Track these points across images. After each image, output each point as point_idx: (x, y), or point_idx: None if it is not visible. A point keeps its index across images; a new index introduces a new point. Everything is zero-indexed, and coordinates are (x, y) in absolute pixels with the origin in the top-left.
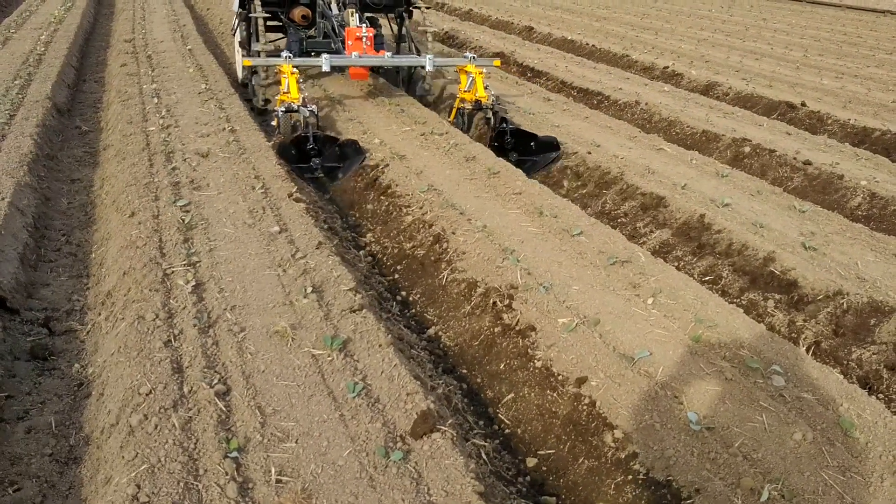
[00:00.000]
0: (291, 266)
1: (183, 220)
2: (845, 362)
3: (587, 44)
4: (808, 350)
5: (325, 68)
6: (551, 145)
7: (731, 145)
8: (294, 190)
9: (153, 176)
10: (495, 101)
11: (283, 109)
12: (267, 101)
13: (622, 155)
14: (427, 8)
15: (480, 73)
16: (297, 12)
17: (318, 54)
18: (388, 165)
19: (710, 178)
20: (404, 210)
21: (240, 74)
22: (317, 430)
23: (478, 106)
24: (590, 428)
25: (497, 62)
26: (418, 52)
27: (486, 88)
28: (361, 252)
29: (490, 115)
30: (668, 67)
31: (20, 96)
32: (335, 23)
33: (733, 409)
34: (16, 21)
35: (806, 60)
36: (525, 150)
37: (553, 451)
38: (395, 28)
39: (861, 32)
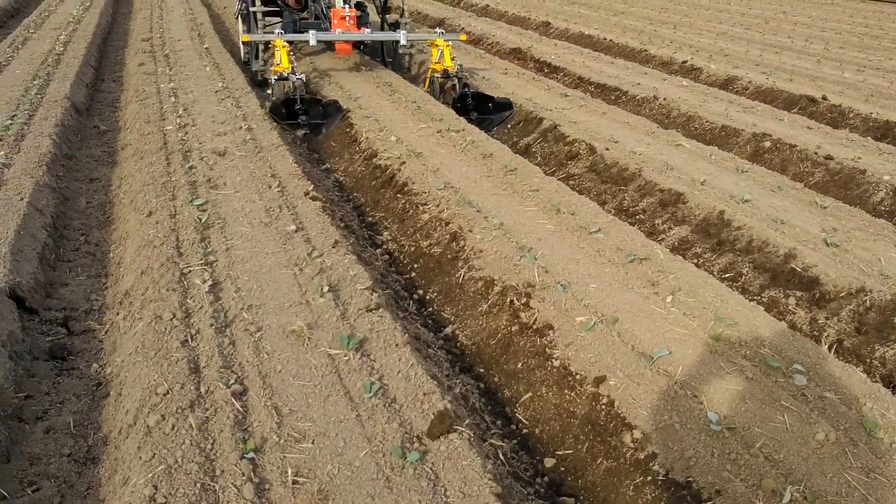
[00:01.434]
0: (308, 265)
1: (200, 220)
2: (868, 361)
3: (605, 39)
4: (830, 348)
5: (312, 42)
6: (506, 105)
7: (751, 140)
8: (311, 188)
9: (170, 175)
10: (460, 69)
11: (276, 77)
12: (265, 74)
13: (640, 151)
14: None
15: (447, 45)
16: None
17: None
18: (404, 163)
19: (730, 174)
20: (421, 208)
21: (242, 54)
22: (333, 431)
23: (446, 75)
24: (608, 428)
25: (463, 37)
26: (395, 30)
27: (452, 59)
28: (378, 250)
29: (455, 81)
30: (686, 62)
31: (39, 96)
32: (323, 5)
33: (754, 409)
34: (35, 21)
35: (827, 53)
36: (484, 110)
37: (571, 451)
38: (379, 10)
39: (883, 25)
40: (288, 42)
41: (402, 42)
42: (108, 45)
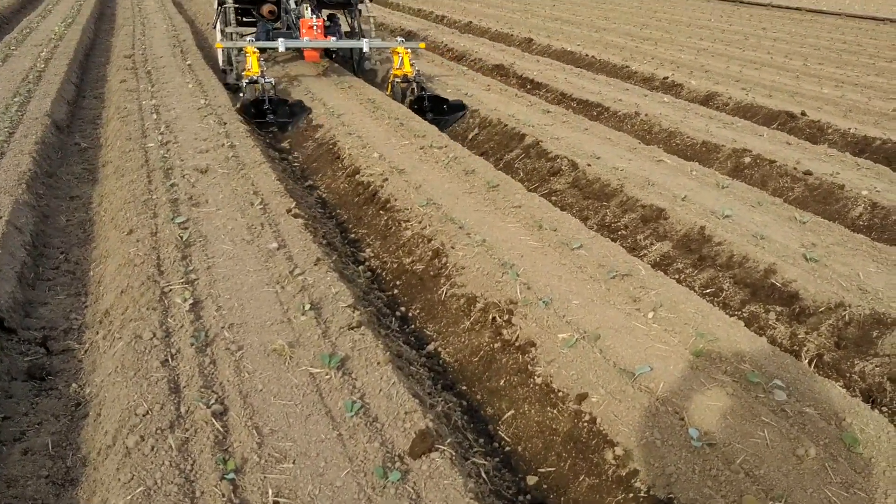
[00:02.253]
0: (290, 282)
1: (181, 238)
2: (848, 375)
3: (587, 55)
4: (810, 363)
5: (281, 49)
6: (459, 107)
7: (732, 156)
8: (293, 205)
9: (152, 193)
10: (418, 74)
11: (248, 81)
12: (239, 79)
13: (622, 167)
14: (371, 1)
15: (407, 53)
16: (265, 8)
17: None
18: (386, 179)
19: (711, 190)
20: (403, 224)
21: (220, 61)
22: (314, 451)
23: (405, 80)
24: (590, 445)
25: (422, 45)
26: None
27: (411, 65)
28: (360, 267)
29: (414, 85)
30: (667, 78)
31: (20, 113)
32: (294, 16)
33: (735, 425)
34: (16, 38)
35: (806, 69)
36: (440, 111)
37: (554, 468)
38: (348, 21)
39: (861, 41)
40: (259, 49)
41: (365, 49)
42: (89, 62)
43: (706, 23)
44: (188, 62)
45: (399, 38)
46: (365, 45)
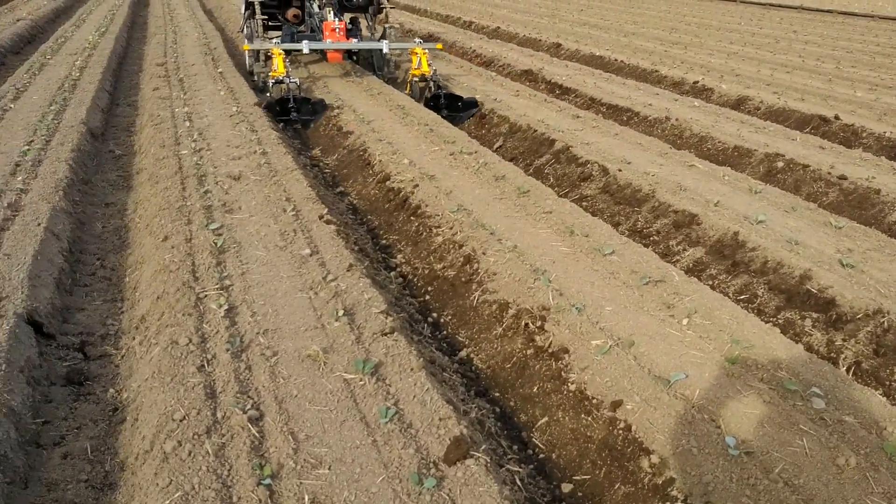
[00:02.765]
0: (323, 289)
1: (215, 244)
2: (887, 383)
3: (616, 60)
4: (847, 371)
5: (305, 51)
6: (473, 104)
7: (764, 160)
8: (325, 212)
9: (186, 199)
10: (435, 73)
11: (274, 81)
12: (266, 82)
13: (653, 172)
14: (392, 7)
15: (425, 53)
16: (290, 12)
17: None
18: (417, 186)
19: (744, 195)
20: (434, 231)
21: (248, 63)
22: (349, 457)
23: (423, 79)
24: (626, 452)
25: (439, 45)
26: (385, 40)
27: (429, 65)
28: (392, 273)
29: (431, 84)
30: (697, 82)
31: (56, 121)
32: (317, 20)
33: (772, 433)
34: (51, 47)
35: (838, 72)
36: (454, 108)
37: (589, 476)
38: (368, 24)
39: (895, 43)
40: (284, 51)
41: (385, 51)
42: (122, 70)
43: (736, 26)
44: (219, 70)
45: (417, 39)
46: (385, 46)
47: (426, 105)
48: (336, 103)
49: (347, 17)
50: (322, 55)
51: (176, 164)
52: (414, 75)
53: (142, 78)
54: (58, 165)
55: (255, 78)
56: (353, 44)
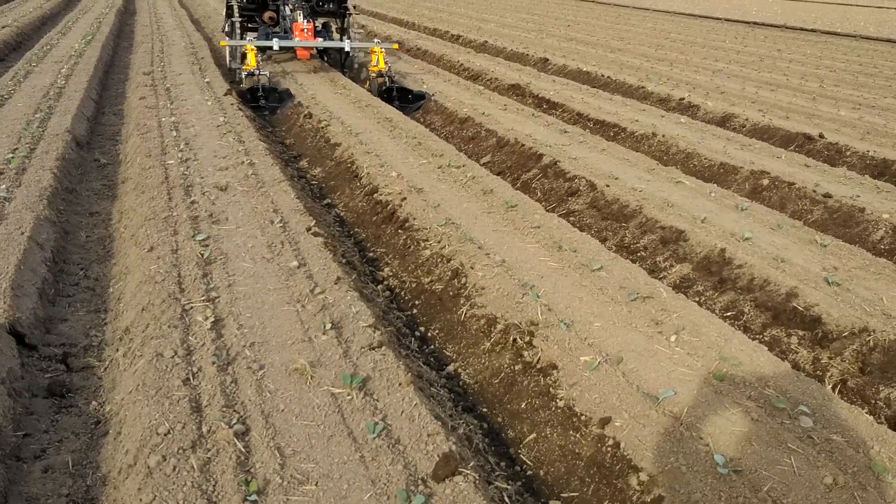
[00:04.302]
0: (310, 301)
1: (202, 255)
2: (873, 402)
3: (602, 75)
4: (834, 389)
5: (275, 47)
6: (421, 97)
7: (750, 178)
8: (313, 224)
9: (172, 210)
10: (389, 69)
11: (247, 73)
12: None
13: (641, 188)
14: (357, 14)
15: (382, 52)
16: (266, 15)
17: None
18: (405, 198)
19: (730, 212)
20: (422, 244)
21: (227, 60)
22: (337, 473)
23: (380, 74)
24: (614, 470)
25: (396, 45)
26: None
27: (385, 62)
28: (379, 286)
29: (386, 79)
30: (683, 99)
31: (41, 129)
32: (289, 21)
33: (761, 451)
34: (37, 55)
35: (822, 91)
36: (405, 99)
37: (577, 493)
38: (338, 26)
39: (877, 63)
40: (258, 48)
41: (346, 49)
42: (109, 79)
43: (721, 44)
44: (207, 79)
45: (376, 40)
46: (347, 45)
47: (380, 97)
48: (327, 118)
49: (320, 21)
50: (293, 53)
51: (162, 174)
52: (373, 72)
53: (128, 87)
54: (42, 174)
55: (233, 72)
56: (318, 42)
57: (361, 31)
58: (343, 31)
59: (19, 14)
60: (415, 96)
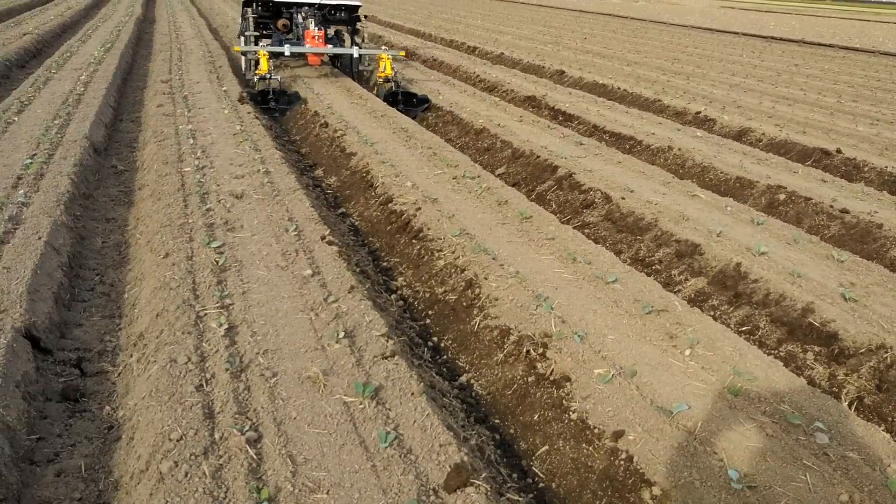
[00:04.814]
0: (324, 310)
1: (217, 262)
2: (890, 419)
3: (618, 88)
4: (850, 405)
5: (287, 53)
6: (425, 100)
7: (766, 192)
8: (327, 233)
9: (188, 217)
10: (395, 74)
11: (259, 77)
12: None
13: (656, 201)
14: (368, 24)
15: (389, 58)
16: (280, 22)
17: None
18: (420, 209)
19: (746, 226)
20: (436, 254)
21: (242, 67)
22: (348, 481)
23: (387, 80)
24: (627, 484)
25: (402, 52)
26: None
27: (392, 68)
28: (392, 296)
29: (392, 84)
30: (700, 112)
31: (59, 136)
32: (301, 29)
33: (775, 467)
34: (57, 62)
35: (840, 106)
36: (409, 103)
37: None
38: (349, 33)
39: (895, 78)
40: (270, 53)
41: (355, 55)
42: (127, 86)
43: (738, 58)
44: (224, 88)
45: (384, 47)
46: (355, 51)
47: (386, 101)
48: (343, 128)
49: (333, 29)
50: (305, 60)
51: (178, 181)
52: (380, 77)
53: (146, 94)
54: (60, 179)
55: (248, 81)
56: (328, 48)
57: (376, 42)
58: (354, 39)
59: (40, 22)
60: (419, 100)
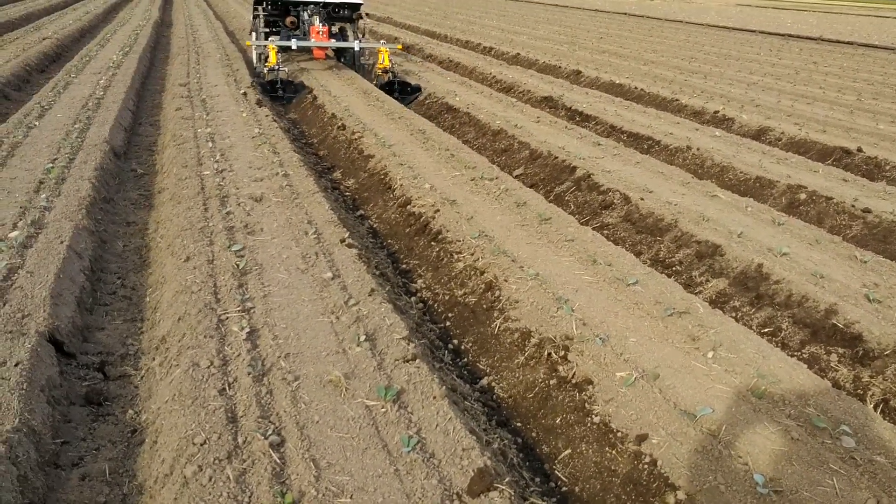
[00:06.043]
0: (344, 313)
1: (237, 266)
2: None
3: (636, 88)
4: (875, 408)
5: (294, 47)
6: (417, 89)
7: (786, 192)
8: (347, 235)
9: (208, 220)
10: (393, 66)
11: (268, 69)
12: (263, 71)
13: (675, 201)
14: (369, 18)
15: (387, 51)
16: (288, 19)
17: None
18: (438, 211)
19: (767, 226)
20: (455, 256)
21: (254, 60)
22: (371, 486)
23: (385, 71)
24: (651, 488)
25: (400, 46)
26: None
27: (390, 60)
28: (412, 299)
29: (390, 74)
30: (718, 112)
31: (79, 140)
32: (306, 26)
33: (801, 471)
34: (76, 66)
35: (860, 104)
36: (405, 92)
37: None
38: (351, 29)
39: None
40: (278, 47)
41: (356, 49)
42: (145, 90)
43: (755, 57)
44: (242, 91)
45: (382, 41)
46: (356, 45)
47: (383, 89)
48: (360, 129)
49: (338, 25)
50: (310, 54)
51: (198, 185)
52: (379, 68)
53: (164, 98)
54: (81, 184)
55: (259, 72)
56: (331, 42)
57: (393, 43)
58: (356, 34)
59: (59, 26)
60: (412, 89)
